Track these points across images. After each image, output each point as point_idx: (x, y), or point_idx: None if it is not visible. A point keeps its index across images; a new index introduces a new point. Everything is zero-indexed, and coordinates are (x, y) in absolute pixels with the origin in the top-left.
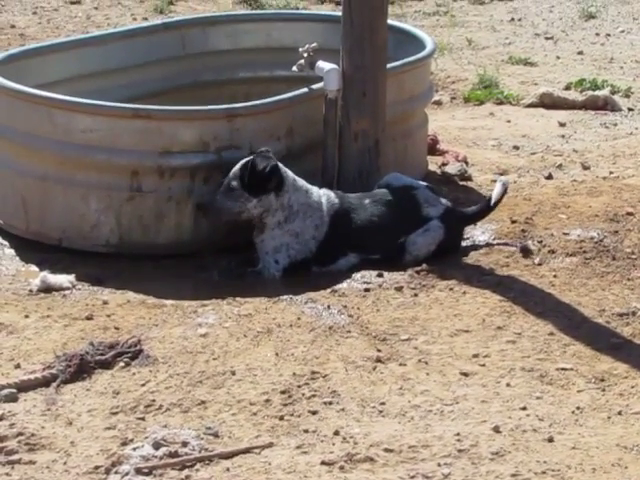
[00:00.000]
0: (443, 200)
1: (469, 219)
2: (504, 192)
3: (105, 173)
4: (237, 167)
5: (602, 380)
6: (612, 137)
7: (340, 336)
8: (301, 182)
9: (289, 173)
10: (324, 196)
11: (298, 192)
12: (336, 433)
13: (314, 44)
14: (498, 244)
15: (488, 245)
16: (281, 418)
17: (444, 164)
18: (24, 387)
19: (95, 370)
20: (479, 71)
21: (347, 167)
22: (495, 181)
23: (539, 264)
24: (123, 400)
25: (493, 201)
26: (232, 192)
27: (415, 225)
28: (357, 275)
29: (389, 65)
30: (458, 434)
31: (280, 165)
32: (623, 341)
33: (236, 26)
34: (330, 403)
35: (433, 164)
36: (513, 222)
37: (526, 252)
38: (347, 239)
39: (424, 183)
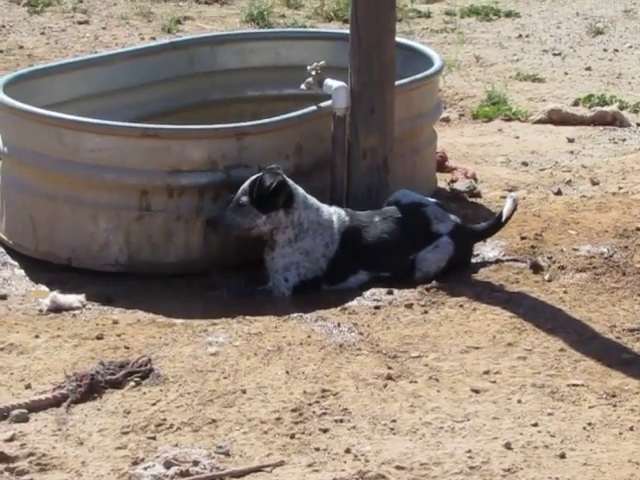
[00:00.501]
0: (452, 216)
1: (479, 235)
2: (514, 208)
3: (114, 192)
4: (246, 183)
5: (613, 396)
6: (621, 152)
7: (350, 354)
8: (312, 200)
9: (300, 190)
10: (334, 214)
11: (308, 209)
12: (347, 451)
13: (322, 62)
14: (508, 260)
15: (498, 261)
16: (292, 436)
17: (453, 181)
18: (35, 407)
19: (106, 390)
20: (487, 88)
21: (356, 184)
22: (505, 197)
23: (549, 280)
24: (134, 419)
25: (504, 217)
26: (241, 208)
27: (425, 242)
28: (367, 293)
29: (397, 82)
30: (469, 451)
31: (290, 182)
32: (634, 357)
33: (244, 45)
34: (341, 421)
35: (442, 181)
36: (523, 238)
37: (536, 268)
38: (357, 257)
39: (433, 200)
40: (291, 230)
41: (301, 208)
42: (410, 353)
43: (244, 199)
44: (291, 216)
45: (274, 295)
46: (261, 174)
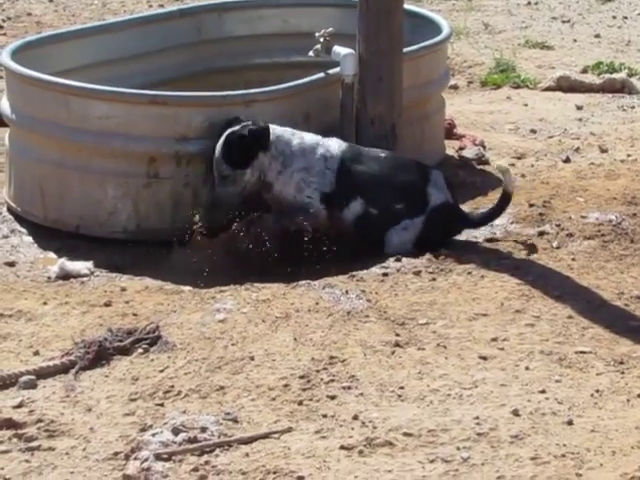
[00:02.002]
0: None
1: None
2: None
3: (122, 160)
4: (218, 154)
5: (621, 363)
6: (630, 120)
7: (358, 321)
8: (289, 130)
9: (271, 127)
10: (329, 140)
11: (285, 138)
12: (355, 418)
13: (330, 29)
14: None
15: (505, 230)
16: (300, 403)
17: (461, 148)
18: (43, 374)
19: (114, 356)
20: (496, 55)
21: None
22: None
23: (557, 247)
24: (142, 386)
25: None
26: (226, 179)
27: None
28: (375, 260)
29: (405, 49)
30: (477, 418)
31: (256, 126)
32: None
33: (252, 12)
34: (349, 388)
35: (450, 148)
36: (531, 206)
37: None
38: (355, 183)
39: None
40: (275, 163)
41: (276, 140)
42: (418, 320)
43: (225, 170)
44: (269, 152)
45: (310, 213)
46: (226, 136)
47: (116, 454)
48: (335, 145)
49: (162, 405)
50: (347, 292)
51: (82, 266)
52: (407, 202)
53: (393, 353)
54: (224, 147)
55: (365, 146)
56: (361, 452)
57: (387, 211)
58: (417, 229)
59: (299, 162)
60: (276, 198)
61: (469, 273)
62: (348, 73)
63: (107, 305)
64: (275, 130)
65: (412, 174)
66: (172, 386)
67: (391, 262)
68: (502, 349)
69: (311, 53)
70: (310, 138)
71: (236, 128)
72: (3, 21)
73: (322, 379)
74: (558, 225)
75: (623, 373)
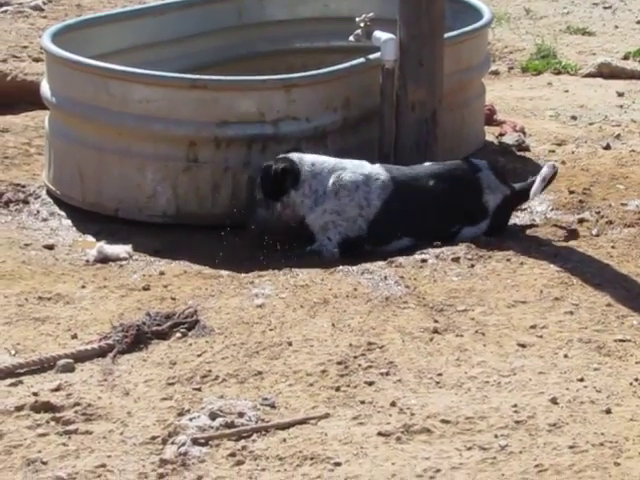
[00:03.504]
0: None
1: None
2: (547, 183)
3: (161, 143)
4: (258, 177)
5: None
6: None
7: (397, 307)
8: (326, 165)
9: (305, 165)
10: (368, 174)
11: (318, 178)
12: (393, 404)
13: (371, 14)
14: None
15: (546, 216)
16: (337, 389)
17: (501, 134)
18: (81, 357)
19: (152, 340)
20: (537, 41)
21: (404, 137)
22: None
23: (597, 235)
24: (179, 371)
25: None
26: (261, 202)
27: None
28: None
29: (446, 35)
30: (515, 405)
31: (292, 161)
32: None
33: None
34: (387, 374)
35: (490, 134)
36: (571, 193)
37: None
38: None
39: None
40: (307, 200)
41: (309, 179)
42: (456, 307)
43: (259, 194)
44: (301, 190)
45: (323, 255)
46: (265, 165)
47: (153, 438)
48: (377, 189)
49: (199, 390)
50: (385, 278)
51: (121, 250)
52: (463, 222)
53: (431, 340)
54: (261, 176)
55: (405, 132)
56: (398, 439)
57: (442, 238)
58: (484, 229)
59: (331, 203)
60: (305, 226)
61: (508, 260)
62: (389, 58)
63: (145, 289)
64: (312, 167)
65: (462, 193)
66: (210, 371)
67: (430, 248)
68: (541, 337)
69: (351, 38)
70: (349, 177)
71: (273, 162)
72: (44, 3)
73: (360, 365)
74: (598, 212)
75: None
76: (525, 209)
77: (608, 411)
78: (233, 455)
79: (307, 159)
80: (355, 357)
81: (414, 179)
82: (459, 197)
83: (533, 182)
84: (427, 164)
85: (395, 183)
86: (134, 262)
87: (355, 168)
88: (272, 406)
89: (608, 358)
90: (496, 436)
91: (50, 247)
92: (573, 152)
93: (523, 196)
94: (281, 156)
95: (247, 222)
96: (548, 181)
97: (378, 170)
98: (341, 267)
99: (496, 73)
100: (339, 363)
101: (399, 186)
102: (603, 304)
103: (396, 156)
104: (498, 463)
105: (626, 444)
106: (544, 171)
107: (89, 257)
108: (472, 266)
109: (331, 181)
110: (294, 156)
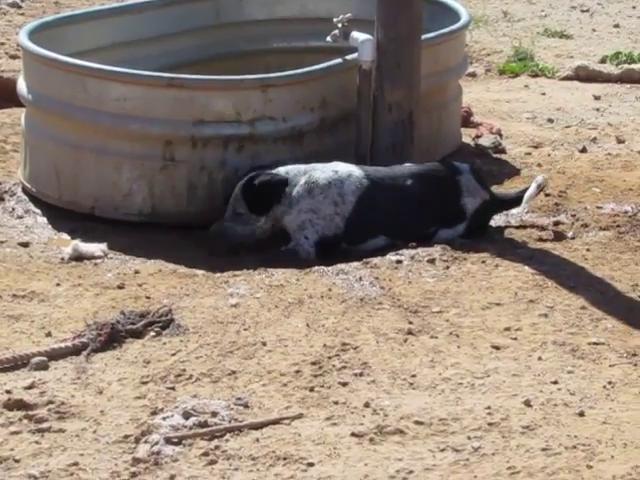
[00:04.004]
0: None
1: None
2: (538, 192)
3: (138, 142)
4: (237, 191)
5: (634, 355)
6: None
7: (371, 308)
8: (301, 170)
9: (282, 172)
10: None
11: (298, 184)
12: (366, 405)
13: (348, 15)
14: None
15: (521, 219)
16: (311, 389)
17: (478, 136)
18: (55, 355)
19: (126, 339)
20: (514, 43)
21: (381, 138)
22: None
23: (572, 238)
24: (153, 369)
25: (524, 201)
26: (239, 217)
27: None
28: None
29: (424, 36)
30: (489, 407)
31: (279, 174)
32: None
33: None
34: (361, 375)
35: (467, 136)
36: (547, 195)
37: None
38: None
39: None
40: (283, 207)
41: (291, 187)
42: (431, 308)
43: (240, 209)
44: (283, 199)
45: (299, 255)
46: (250, 179)
47: (126, 437)
48: (350, 185)
49: (173, 389)
50: (360, 279)
51: (96, 248)
52: (440, 223)
53: (406, 341)
54: (251, 187)
55: (382, 133)
56: (372, 440)
57: (417, 239)
58: (460, 232)
59: (306, 202)
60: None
61: (483, 262)
62: (366, 59)
63: (120, 287)
64: (287, 175)
65: (440, 195)
66: (184, 370)
67: (405, 249)
68: (515, 339)
69: (329, 38)
70: (323, 176)
71: (270, 172)
72: (22, 1)
73: (334, 366)
74: (573, 215)
75: (636, 365)
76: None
77: (581, 414)
78: (206, 454)
79: (281, 169)
80: (329, 357)
81: (391, 178)
82: (437, 198)
83: (524, 191)
84: (407, 165)
85: (370, 180)
86: (109, 260)
87: (326, 167)
88: (246, 406)
89: (582, 361)
90: (469, 438)
91: (25, 245)
92: (549, 155)
93: (513, 204)
94: (259, 172)
95: (213, 234)
96: (540, 190)
97: (351, 168)
98: (316, 267)
99: (473, 75)
100: (313, 363)
101: (374, 183)
102: (577, 307)
103: (373, 157)
104: (471, 465)
105: (599, 447)
106: (539, 178)
107: (64, 255)
108: (447, 268)
109: (303, 181)
110: (274, 170)
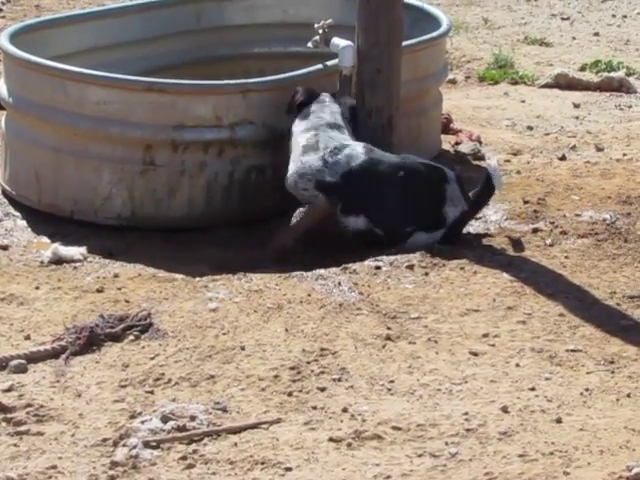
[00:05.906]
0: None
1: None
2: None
3: (118, 146)
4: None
5: (611, 362)
6: (627, 119)
7: (350, 313)
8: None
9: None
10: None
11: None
12: (344, 410)
13: (329, 20)
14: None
15: (500, 225)
16: (290, 394)
17: (457, 143)
18: (33, 358)
19: (105, 343)
20: (494, 51)
21: None
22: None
23: (551, 245)
24: (132, 373)
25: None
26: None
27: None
28: (368, 253)
29: (404, 43)
30: (466, 413)
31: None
32: (633, 323)
33: (252, 1)
34: (339, 380)
35: (446, 143)
36: (525, 202)
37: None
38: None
39: None
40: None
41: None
42: (410, 314)
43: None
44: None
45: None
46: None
47: (104, 440)
48: (357, 149)
49: (152, 393)
50: (339, 284)
51: (75, 251)
52: (418, 226)
53: (384, 346)
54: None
55: (362, 138)
56: (349, 445)
57: (394, 233)
58: (437, 239)
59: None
60: None
61: (462, 268)
62: (346, 65)
63: (99, 291)
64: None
65: (427, 199)
66: (162, 374)
67: (384, 255)
68: (493, 345)
69: (310, 44)
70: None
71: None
72: (2, 4)
73: (312, 371)
74: (552, 223)
75: (613, 372)
76: (479, 218)
77: (559, 420)
78: (184, 458)
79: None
80: (308, 363)
81: (387, 164)
82: (422, 201)
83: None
84: (411, 156)
85: (369, 157)
86: (88, 264)
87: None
88: (224, 410)
89: (559, 368)
90: (447, 444)
91: (4, 248)
92: (528, 162)
93: (485, 197)
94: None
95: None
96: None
97: (355, 142)
98: (296, 273)
99: (453, 82)
100: (292, 368)
101: (372, 160)
102: (555, 314)
103: None
104: (448, 471)
105: (576, 453)
106: (491, 162)
107: (43, 258)
108: (426, 274)
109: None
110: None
